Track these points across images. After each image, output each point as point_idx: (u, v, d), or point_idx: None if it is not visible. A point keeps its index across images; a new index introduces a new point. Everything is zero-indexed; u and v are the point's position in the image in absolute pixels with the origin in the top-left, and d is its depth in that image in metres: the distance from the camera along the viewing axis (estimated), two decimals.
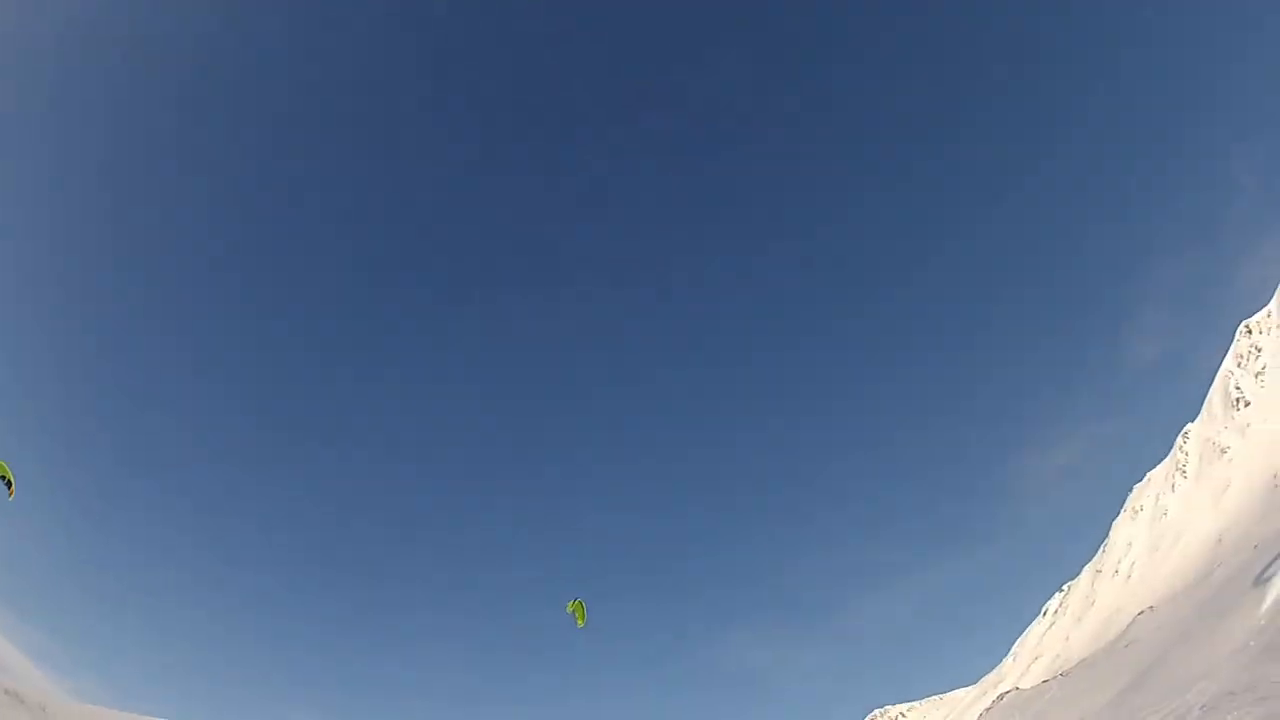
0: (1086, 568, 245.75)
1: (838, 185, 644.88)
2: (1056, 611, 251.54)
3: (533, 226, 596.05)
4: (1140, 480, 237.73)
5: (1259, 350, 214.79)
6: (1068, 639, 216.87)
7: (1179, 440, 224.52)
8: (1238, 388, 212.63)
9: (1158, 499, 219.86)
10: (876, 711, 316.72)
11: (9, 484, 37.47)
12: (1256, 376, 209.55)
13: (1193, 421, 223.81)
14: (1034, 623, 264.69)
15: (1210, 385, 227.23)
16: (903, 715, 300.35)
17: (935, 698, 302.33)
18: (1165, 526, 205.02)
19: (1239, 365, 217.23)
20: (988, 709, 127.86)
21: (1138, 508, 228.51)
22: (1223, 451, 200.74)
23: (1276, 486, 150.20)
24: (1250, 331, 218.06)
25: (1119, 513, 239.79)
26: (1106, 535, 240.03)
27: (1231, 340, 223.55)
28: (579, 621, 40.68)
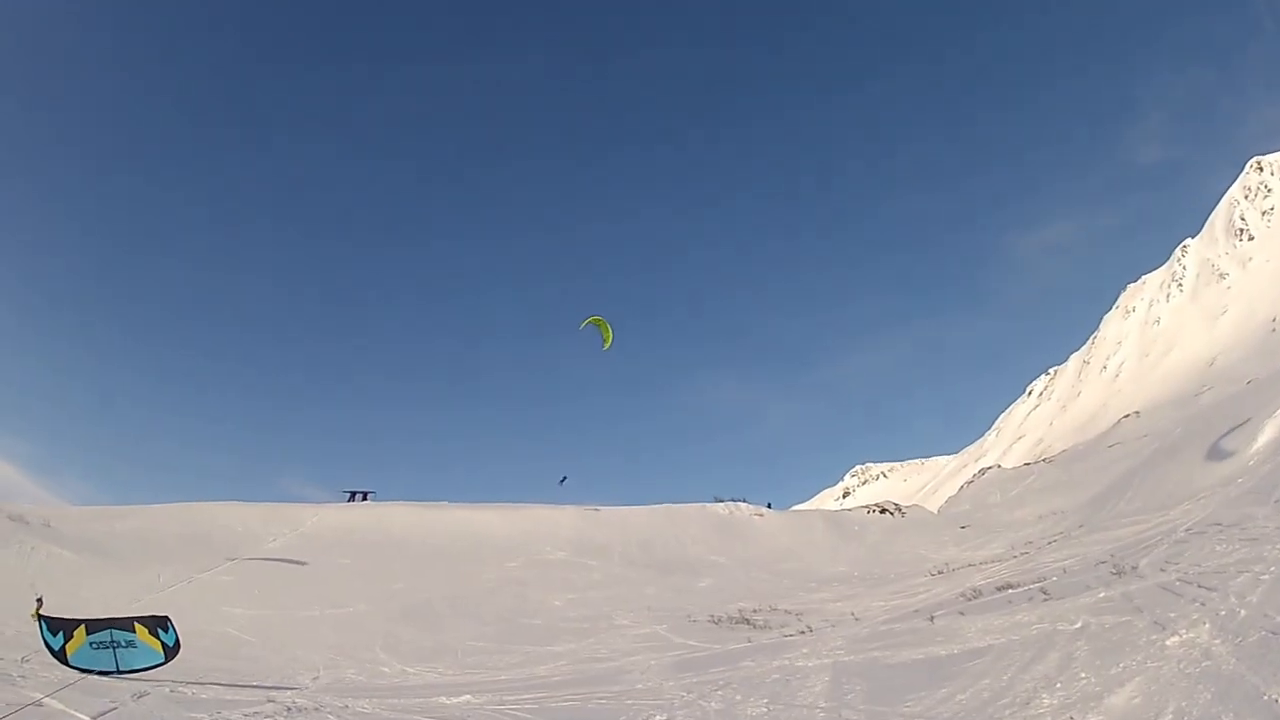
0: (1074, 356, 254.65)
1: None
2: (1041, 394, 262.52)
3: None
4: (1135, 281, 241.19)
5: (1269, 189, 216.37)
6: (1051, 424, 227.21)
7: (1177, 252, 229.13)
8: (1242, 219, 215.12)
9: (1151, 305, 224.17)
10: (858, 467, 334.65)
11: None
12: (1263, 215, 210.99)
13: (1193, 237, 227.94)
14: (1018, 401, 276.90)
15: (1214, 208, 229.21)
16: (884, 475, 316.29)
17: (917, 461, 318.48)
18: (1157, 334, 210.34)
19: (1245, 197, 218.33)
20: (969, 481, 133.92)
21: (1130, 308, 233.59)
22: (1221, 276, 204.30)
23: (1274, 330, 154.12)
24: (1261, 169, 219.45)
25: (1111, 308, 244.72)
26: (1097, 328, 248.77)
27: (1241, 171, 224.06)
28: (605, 342, 37.83)
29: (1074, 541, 36.93)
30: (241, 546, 43.26)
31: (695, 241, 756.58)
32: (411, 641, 28.04)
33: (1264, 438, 41.79)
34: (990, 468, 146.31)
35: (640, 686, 17.97)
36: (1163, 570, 20.08)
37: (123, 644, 17.32)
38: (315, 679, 20.71)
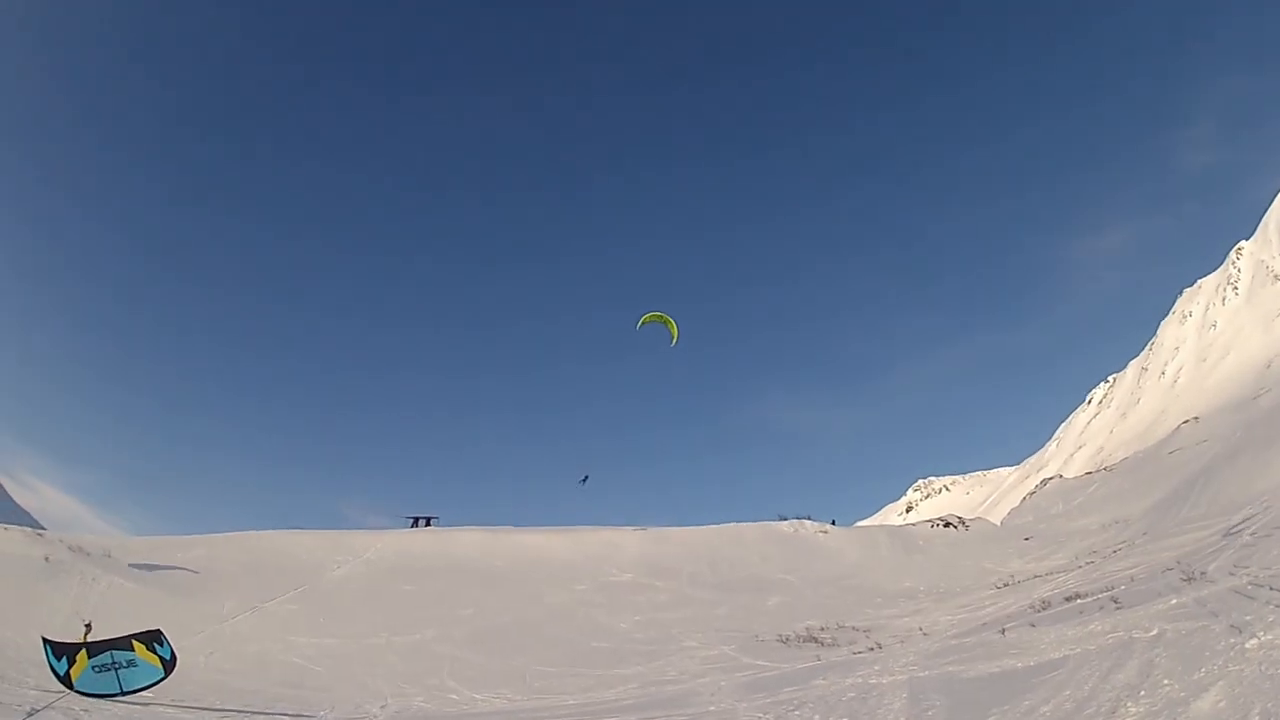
0: (1133, 363, 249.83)
1: None
2: (1101, 402, 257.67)
3: None
4: (1191, 285, 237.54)
5: None
6: (1111, 432, 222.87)
7: (1231, 255, 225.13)
8: None
9: (1207, 309, 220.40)
10: (920, 481, 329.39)
11: None
12: None
13: (1247, 240, 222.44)
14: (1078, 410, 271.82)
15: (1267, 209, 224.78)
16: (946, 488, 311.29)
17: (979, 474, 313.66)
18: (1213, 338, 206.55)
19: None
20: (1031, 493, 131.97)
21: (1186, 313, 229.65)
22: (1276, 278, 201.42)
23: None
24: None
25: (1168, 314, 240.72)
26: (1154, 335, 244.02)
27: None
28: (673, 338, 36.07)
29: (1139, 549, 36.48)
30: (305, 575, 43.69)
31: (754, 258, 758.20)
32: (479, 667, 28.19)
33: None
34: (1052, 478, 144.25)
35: (711, 709, 17.90)
36: (1232, 574, 19.87)
37: (124, 664, 17.52)
38: (383, 707, 21.01)
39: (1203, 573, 21.34)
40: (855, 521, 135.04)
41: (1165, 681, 12.36)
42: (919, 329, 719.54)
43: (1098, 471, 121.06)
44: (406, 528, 62.87)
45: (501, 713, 20.41)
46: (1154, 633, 15.76)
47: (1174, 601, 18.48)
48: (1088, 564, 37.81)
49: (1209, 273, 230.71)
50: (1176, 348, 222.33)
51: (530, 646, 31.88)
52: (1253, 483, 42.01)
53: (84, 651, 17.17)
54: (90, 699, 16.72)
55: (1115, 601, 21.17)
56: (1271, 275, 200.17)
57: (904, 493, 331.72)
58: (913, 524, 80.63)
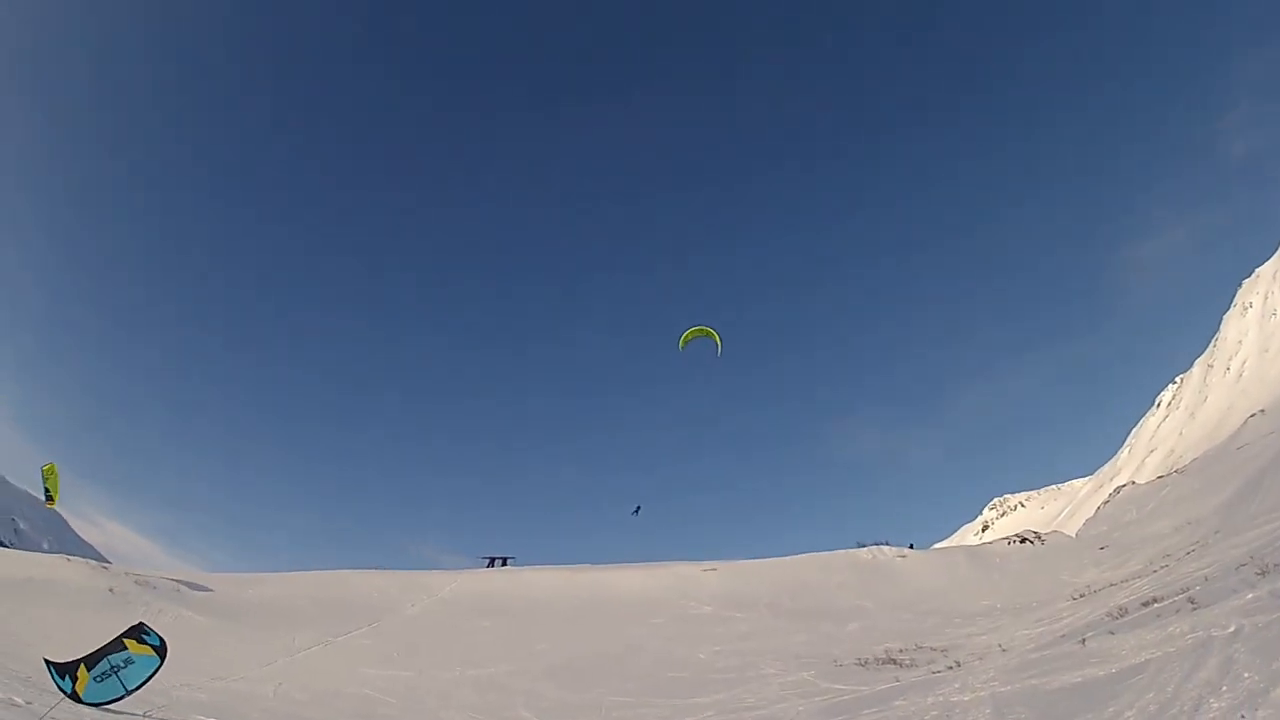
0: (1198, 361, 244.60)
1: None
2: (1170, 404, 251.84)
3: None
4: (1249, 276, 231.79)
5: None
6: (1181, 434, 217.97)
7: None
8: None
9: (1266, 297, 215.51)
10: (996, 500, 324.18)
11: (49, 495, 36.88)
12: None
13: None
14: (1148, 414, 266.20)
15: None
16: (1022, 505, 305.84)
17: (1053, 487, 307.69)
18: (1275, 327, 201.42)
19: None
20: (1105, 502, 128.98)
21: (1247, 304, 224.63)
22: None
23: None
24: None
25: (1229, 307, 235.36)
26: (1217, 329, 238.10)
27: None
28: (719, 348, 34.79)
29: (1212, 548, 35.97)
30: (379, 612, 44.18)
31: (817, 283, 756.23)
32: (555, 700, 28.30)
33: None
34: (1124, 485, 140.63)
35: None
36: None
37: (121, 665, 17.80)
38: None
39: (1276, 565, 21.22)
40: (933, 544, 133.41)
41: (1245, 675, 12.50)
42: (985, 345, 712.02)
43: (1169, 474, 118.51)
44: (482, 567, 63.54)
45: None
46: (1231, 629, 15.80)
47: (1249, 596, 18.44)
48: (1162, 568, 37.32)
49: (1264, 259, 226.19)
50: (1240, 341, 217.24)
51: (607, 678, 31.98)
52: None
53: (82, 665, 17.55)
54: (107, 706, 17.30)
55: (1192, 602, 21.11)
56: None
57: (980, 512, 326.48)
58: (989, 542, 79.90)
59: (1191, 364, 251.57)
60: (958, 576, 56.47)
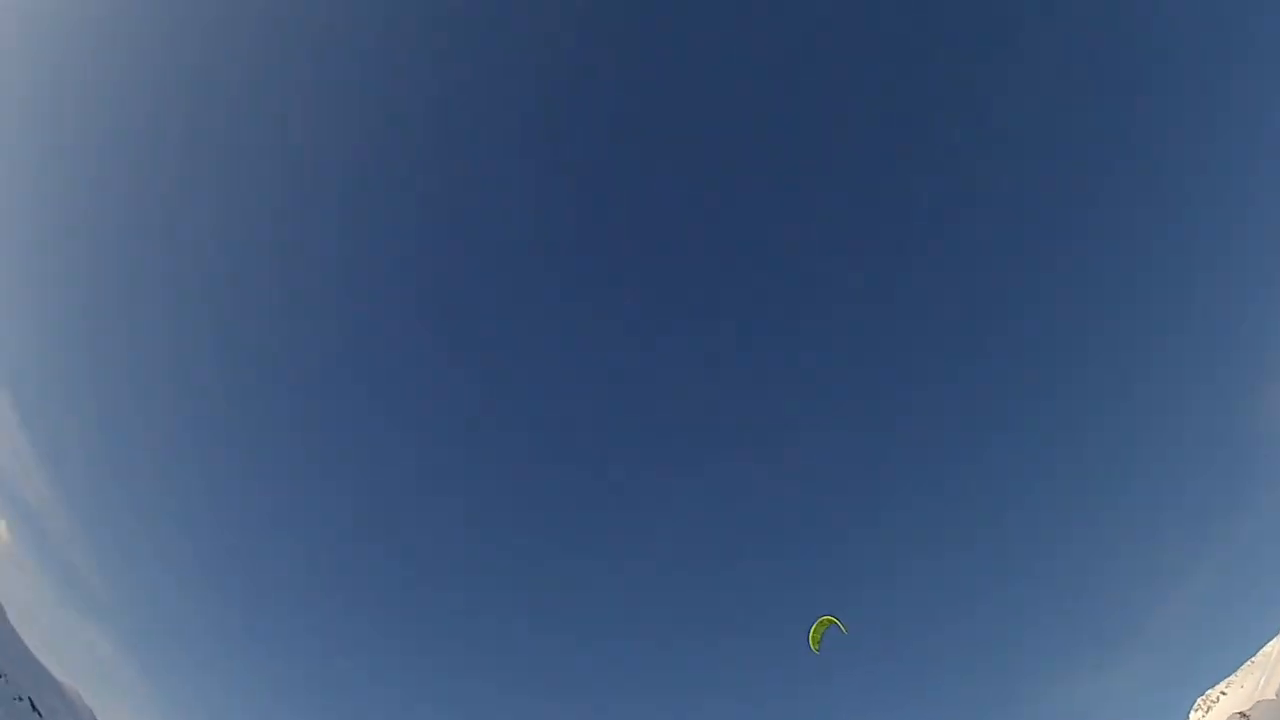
0: None
1: None
2: None
3: None
4: None
5: None
6: None
7: None
8: None
9: None
10: (1199, 699, 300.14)
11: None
12: None
13: None
14: None
15: None
16: (1223, 694, 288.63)
17: (1248, 663, 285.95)
18: None
19: None
20: None
21: None
22: None
23: None
24: None
25: None
26: None
27: None
28: (843, 629, 35.76)
29: None
30: None
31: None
32: None
33: None
34: None
35: None
36: None
37: None
38: None
39: None
40: None
41: None
42: (1160, 550, 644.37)
43: None
44: None
45: None
46: None
47: None
48: None
49: None
50: None
51: None
52: None
53: None
54: None
55: None
56: None
57: (1186, 717, 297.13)
58: None
59: None
60: None
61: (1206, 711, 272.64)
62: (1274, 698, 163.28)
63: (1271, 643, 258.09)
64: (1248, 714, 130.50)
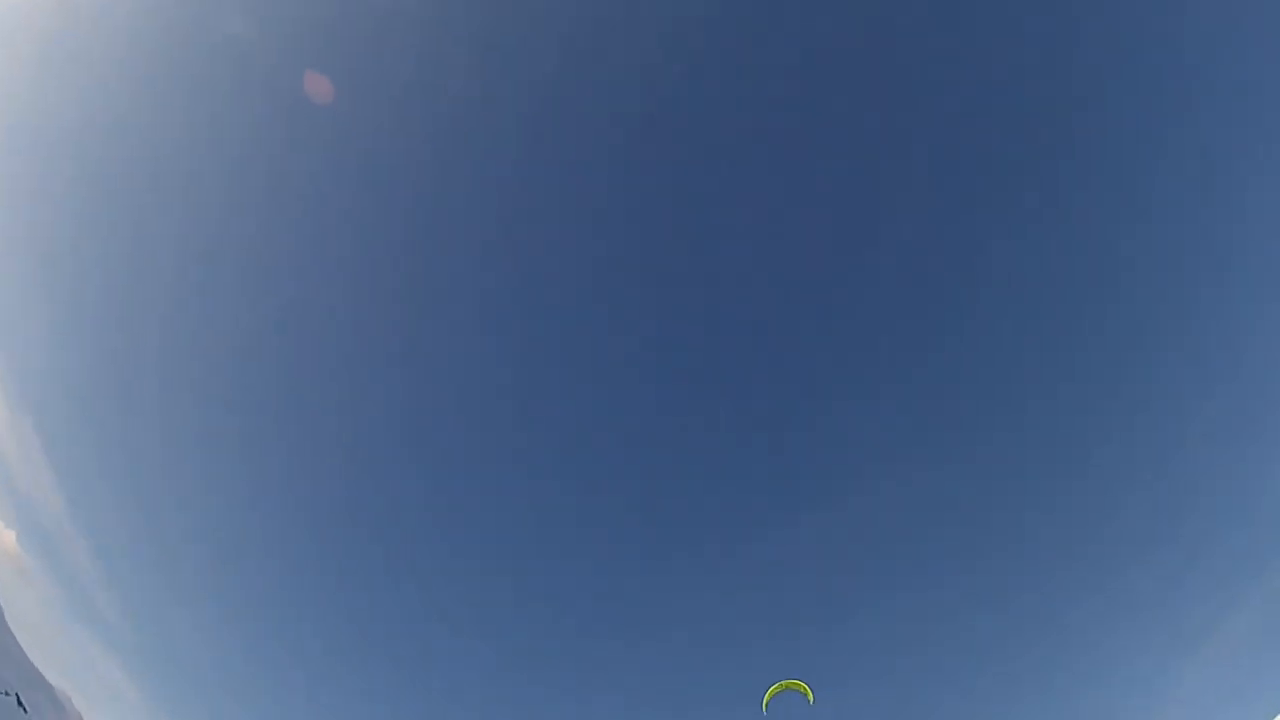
0: None
1: None
2: None
3: None
4: None
5: None
6: None
7: None
8: None
9: None
10: (1277, 716, 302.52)
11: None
12: None
13: None
14: None
15: None
16: None
17: None
18: None
19: None
20: None
21: None
22: None
23: None
24: None
25: None
26: None
27: None
28: (809, 698, 32.61)
29: None
30: None
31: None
32: None
33: None
34: None
35: None
36: None
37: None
38: None
39: None
40: None
41: None
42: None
43: None
44: None
45: None
46: None
47: None
48: None
49: None
50: None
51: None
52: None
53: None
54: None
55: None
56: None
57: None
58: None
59: None
60: None
61: None
62: None
63: None
64: None
